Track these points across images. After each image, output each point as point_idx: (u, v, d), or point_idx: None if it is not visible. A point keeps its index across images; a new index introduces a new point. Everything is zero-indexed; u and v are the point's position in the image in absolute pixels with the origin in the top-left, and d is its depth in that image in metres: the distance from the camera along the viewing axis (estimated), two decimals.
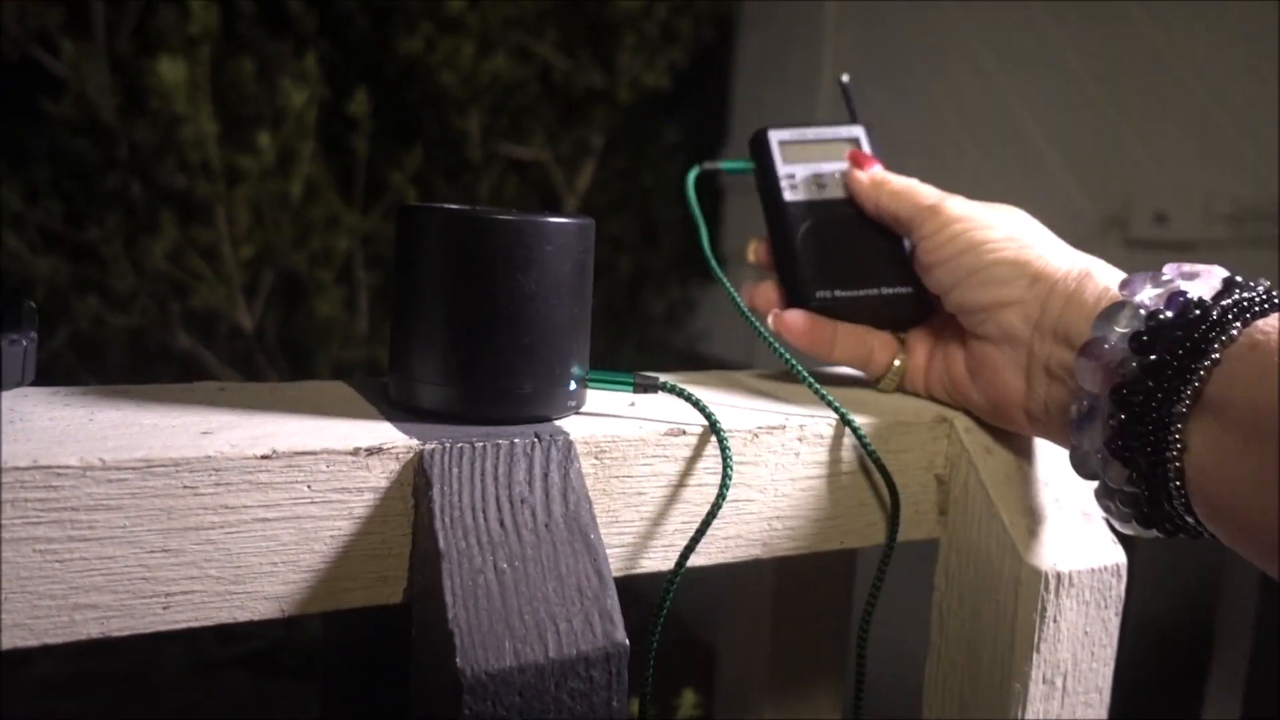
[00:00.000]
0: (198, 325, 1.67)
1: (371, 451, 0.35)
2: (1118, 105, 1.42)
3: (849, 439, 0.44)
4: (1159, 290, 0.38)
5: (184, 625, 0.33)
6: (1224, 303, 0.36)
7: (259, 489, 0.33)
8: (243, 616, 0.34)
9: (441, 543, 0.34)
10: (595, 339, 0.42)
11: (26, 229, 1.58)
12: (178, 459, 0.32)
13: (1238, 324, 0.35)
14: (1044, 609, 0.43)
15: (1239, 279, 0.38)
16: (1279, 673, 0.98)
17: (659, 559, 0.41)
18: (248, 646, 1.69)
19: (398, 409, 0.40)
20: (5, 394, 0.36)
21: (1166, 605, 1.08)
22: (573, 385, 0.40)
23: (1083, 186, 1.47)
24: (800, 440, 0.43)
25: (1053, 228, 0.47)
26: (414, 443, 0.35)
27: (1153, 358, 0.36)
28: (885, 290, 0.50)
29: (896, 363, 0.49)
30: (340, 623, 0.45)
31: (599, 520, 0.38)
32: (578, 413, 0.41)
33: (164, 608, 0.32)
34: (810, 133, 0.53)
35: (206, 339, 1.68)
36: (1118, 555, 0.45)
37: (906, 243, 0.50)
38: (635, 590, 0.42)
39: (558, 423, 0.40)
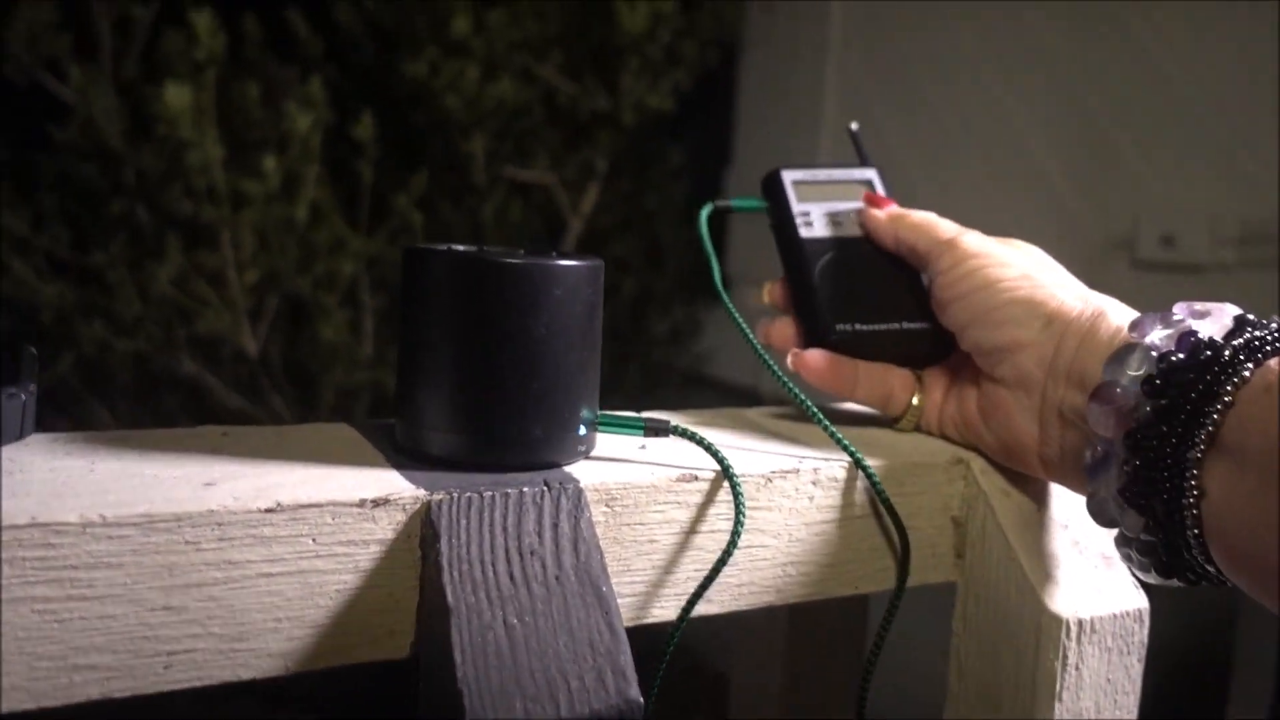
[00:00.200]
0: (203, 350, 1.67)
1: (378, 503, 0.34)
2: (1124, 127, 1.42)
3: (862, 481, 0.43)
4: (1169, 330, 0.38)
5: (186, 685, 0.32)
6: (1235, 342, 0.36)
7: (263, 543, 0.32)
8: (246, 675, 0.33)
9: (450, 597, 0.33)
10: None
11: (33, 255, 1.58)
12: (180, 513, 0.31)
13: (1250, 364, 0.35)
14: (1065, 656, 0.42)
15: (1250, 317, 0.37)
16: None
17: (671, 608, 0.40)
18: None
19: (404, 455, 0.39)
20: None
21: (1184, 642, 1.07)
22: (582, 430, 0.39)
23: (1089, 208, 1.46)
24: (814, 484, 0.42)
25: (1059, 250, 0.47)
26: (421, 493, 0.35)
27: (1165, 401, 0.35)
28: (905, 325, 0.49)
29: (915, 401, 0.49)
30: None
31: (610, 569, 0.37)
32: (588, 457, 0.40)
33: (165, 667, 0.32)
34: (823, 173, 0.52)
35: (211, 364, 1.68)
36: (1140, 600, 0.44)
37: (924, 278, 0.49)
38: (651, 632, 0.41)
39: (567, 468, 0.39)
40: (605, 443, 0.42)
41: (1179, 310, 0.39)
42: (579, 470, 0.39)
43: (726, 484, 0.40)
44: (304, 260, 1.61)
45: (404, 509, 0.34)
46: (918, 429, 0.49)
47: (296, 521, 0.33)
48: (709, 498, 0.40)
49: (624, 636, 0.34)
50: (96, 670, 0.31)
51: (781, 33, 1.99)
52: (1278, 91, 1.21)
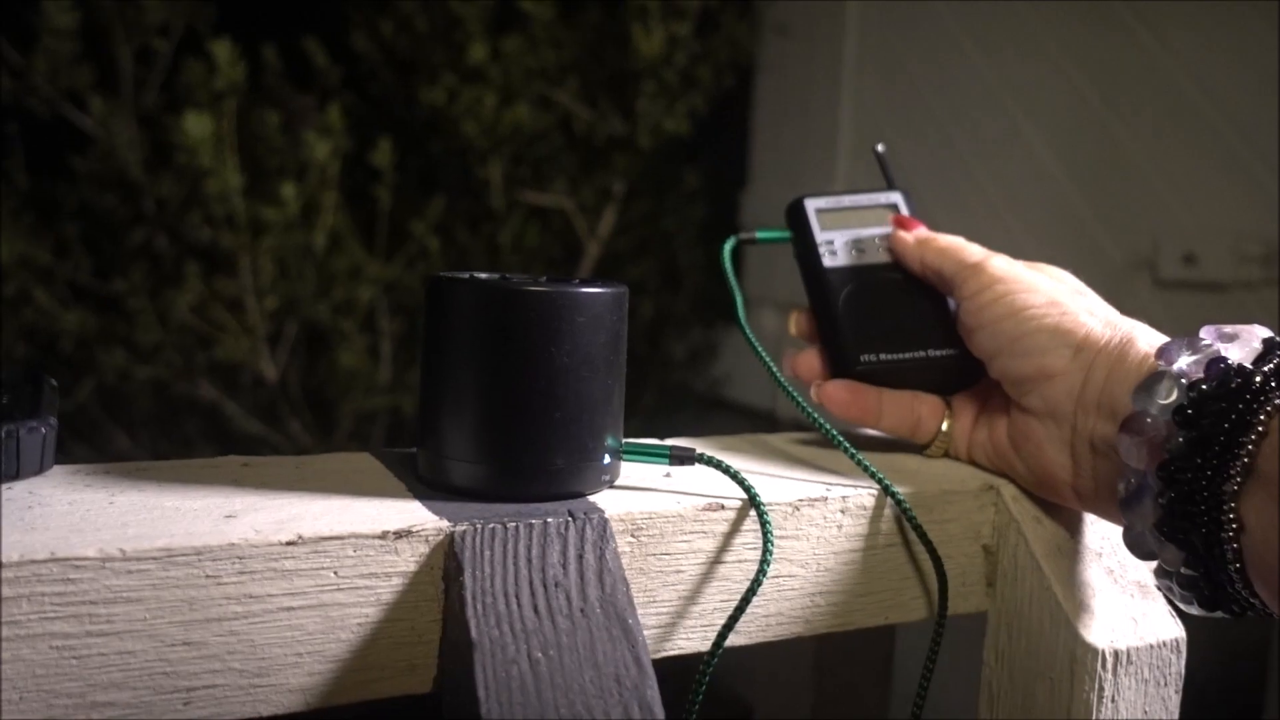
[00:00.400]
0: (222, 376, 1.68)
1: (400, 535, 0.33)
2: (1144, 146, 1.41)
3: (891, 509, 0.43)
4: (1197, 356, 0.37)
5: None
6: (1266, 368, 0.35)
7: (284, 576, 0.32)
8: (266, 711, 0.32)
9: (474, 631, 0.32)
10: None
11: (55, 283, 1.60)
12: (200, 547, 0.31)
13: None
14: (1101, 688, 0.41)
15: (1279, 340, 0.36)
16: None
17: (697, 639, 0.39)
18: None
19: (426, 485, 0.38)
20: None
21: (1216, 671, 1.05)
22: (607, 459, 0.39)
23: (1109, 228, 1.45)
24: (843, 512, 0.42)
25: (1080, 271, 0.46)
26: (444, 524, 0.34)
27: (1197, 433, 0.34)
28: (932, 353, 0.48)
29: (944, 427, 0.48)
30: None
31: (635, 600, 0.37)
32: (612, 486, 0.40)
33: (184, 704, 0.31)
34: (847, 200, 0.52)
35: (230, 390, 1.69)
36: (1177, 630, 0.43)
37: (952, 304, 0.49)
38: (674, 661, 0.40)
39: (592, 498, 0.38)
40: (629, 470, 0.42)
41: (1206, 334, 0.38)
42: (603, 500, 0.38)
43: (753, 513, 0.39)
44: (322, 286, 1.62)
45: (427, 540, 0.34)
46: (946, 455, 0.49)
47: (318, 554, 0.32)
48: (735, 527, 0.39)
49: (651, 670, 0.33)
50: (115, 707, 0.30)
51: (797, 56, 1.99)
52: None
